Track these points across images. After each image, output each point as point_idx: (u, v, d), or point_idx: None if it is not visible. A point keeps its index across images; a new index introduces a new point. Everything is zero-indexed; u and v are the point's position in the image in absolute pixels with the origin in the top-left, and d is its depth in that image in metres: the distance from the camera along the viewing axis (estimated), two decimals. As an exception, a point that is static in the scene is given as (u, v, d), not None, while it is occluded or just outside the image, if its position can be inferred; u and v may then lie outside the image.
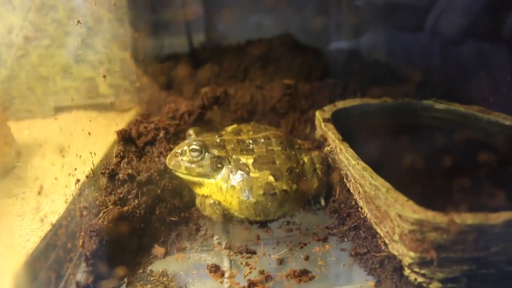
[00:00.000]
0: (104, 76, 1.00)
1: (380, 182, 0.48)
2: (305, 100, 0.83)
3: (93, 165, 0.61)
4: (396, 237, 0.45)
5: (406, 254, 0.45)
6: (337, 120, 0.70)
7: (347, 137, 0.63)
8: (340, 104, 0.73)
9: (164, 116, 0.77)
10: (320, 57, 1.05)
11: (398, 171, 0.58)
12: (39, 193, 0.64)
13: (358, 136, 0.69)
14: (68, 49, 1.02)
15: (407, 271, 0.46)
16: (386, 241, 0.48)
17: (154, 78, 1.01)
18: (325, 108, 0.72)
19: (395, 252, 0.47)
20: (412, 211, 0.43)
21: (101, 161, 0.64)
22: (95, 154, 0.62)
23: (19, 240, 0.53)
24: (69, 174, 0.63)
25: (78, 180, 0.59)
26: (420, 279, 0.45)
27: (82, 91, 1.04)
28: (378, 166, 0.53)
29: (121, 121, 0.94)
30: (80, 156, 0.61)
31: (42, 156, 0.85)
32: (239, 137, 0.64)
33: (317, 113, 0.70)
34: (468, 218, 0.41)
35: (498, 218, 0.41)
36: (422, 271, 0.45)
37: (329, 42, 1.22)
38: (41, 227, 0.55)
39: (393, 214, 0.45)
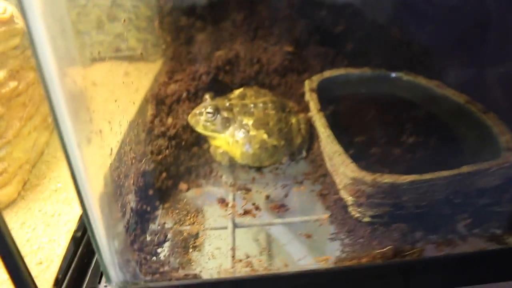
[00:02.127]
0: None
1: (336, 147, 0.74)
2: (301, 64, 1.06)
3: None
4: (341, 186, 0.72)
5: (347, 198, 0.71)
6: (324, 87, 0.94)
7: (330, 102, 0.87)
8: (327, 74, 0.97)
9: (186, 77, 1.02)
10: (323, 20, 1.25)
11: (357, 134, 0.83)
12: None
13: (339, 102, 0.94)
14: (102, 8, 1.25)
15: (349, 209, 0.73)
16: (338, 188, 0.75)
17: (176, 34, 1.24)
18: (313, 77, 0.95)
19: (342, 196, 0.74)
20: (351, 171, 0.69)
21: (138, 110, 0.90)
22: (133, 104, 0.87)
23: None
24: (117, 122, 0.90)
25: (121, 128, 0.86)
26: (357, 215, 0.72)
27: (114, 44, 1.29)
28: (344, 130, 0.78)
29: (149, 71, 1.19)
30: (119, 106, 0.87)
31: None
32: (244, 101, 0.90)
33: (306, 82, 0.94)
34: (386, 178, 0.67)
35: (406, 179, 0.67)
36: (358, 209, 0.72)
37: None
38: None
39: (341, 170, 0.71)
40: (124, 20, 1.19)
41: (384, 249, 0.66)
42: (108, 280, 0.62)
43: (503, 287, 0.69)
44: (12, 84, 0.84)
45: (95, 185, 0.56)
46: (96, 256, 0.62)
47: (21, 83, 0.86)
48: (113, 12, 1.23)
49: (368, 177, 0.67)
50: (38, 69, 0.46)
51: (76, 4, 1.24)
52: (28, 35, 0.44)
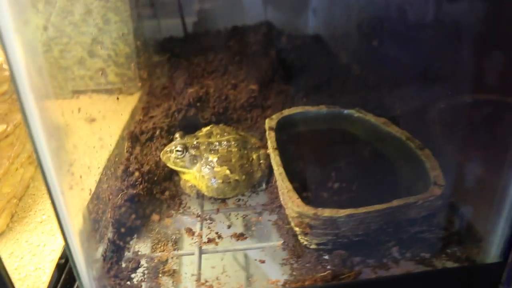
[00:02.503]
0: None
1: (286, 184, 0.87)
2: (265, 101, 1.20)
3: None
4: (290, 218, 0.85)
5: (295, 228, 0.85)
6: (283, 124, 1.07)
7: (289, 139, 1.01)
8: (286, 112, 1.11)
9: (160, 114, 1.15)
10: (287, 56, 1.39)
11: (309, 169, 0.96)
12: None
13: (297, 138, 1.07)
14: (83, 46, 1.38)
15: (299, 237, 0.86)
16: (289, 219, 0.88)
17: (152, 70, 1.38)
18: (273, 116, 1.09)
19: (292, 226, 0.87)
20: (297, 206, 0.82)
21: (116, 144, 1.03)
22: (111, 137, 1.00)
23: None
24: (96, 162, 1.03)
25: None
26: (305, 242, 0.85)
27: (94, 78, 1.41)
28: (298, 165, 0.91)
29: (127, 104, 1.32)
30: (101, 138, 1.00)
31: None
32: (210, 140, 1.03)
33: (266, 121, 1.07)
34: (325, 212, 0.80)
35: (343, 213, 0.80)
36: (306, 238, 0.85)
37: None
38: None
39: (289, 205, 0.84)
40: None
41: (324, 273, 0.80)
42: (87, 303, 0.74)
43: (428, 304, 0.83)
44: (1, 127, 0.96)
45: (75, 223, 0.69)
46: (77, 283, 0.74)
47: (9, 125, 0.98)
48: (93, 49, 1.36)
49: (310, 211, 0.80)
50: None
51: (59, 42, 1.37)
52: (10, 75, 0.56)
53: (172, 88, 1.27)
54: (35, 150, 0.61)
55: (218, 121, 1.18)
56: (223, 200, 1.01)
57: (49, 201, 0.93)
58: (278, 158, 0.94)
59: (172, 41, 1.52)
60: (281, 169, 0.91)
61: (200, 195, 1.01)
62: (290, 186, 0.86)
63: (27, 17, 0.57)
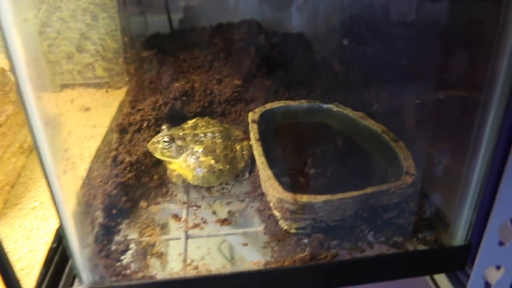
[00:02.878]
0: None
1: (267, 172, 0.94)
2: (248, 95, 1.27)
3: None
4: (271, 204, 0.92)
5: (276, 214, 0.92)
6: (266, 117, 1.15)
7: (271, 131, 1.08)
8: (268, 105, 1.18)
9: (147, 107, 1.21)
10: (270, 53, 1.47)
11: (289, 159, 1.04)
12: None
13: (278, 130, 1.14)
14: (71, 41, 1.44)
15: (279, 222, 0.93)
16: (270, 205, 0.95)
17: (139, 65, 1.44)
18: (257, 109, 1.16)
19: (273, 212, 0.94)
20: (277, 192, 0.89)
21: (105, 134, 1.09)
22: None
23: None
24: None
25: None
26: (285, 227, 0.92)
27: (82, 73, 1.47)
28: (279, 155, 0.99)
29: (115, 98, 1.38)
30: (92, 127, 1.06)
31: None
32: (195, 131, 1.09)
33: (249, 114, 1.14)
34: (304, 198, 0.87)
35: (320, 198, 0.87)
36: (286, 223, 0.92)
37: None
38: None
39: (270, 191, 0.92)
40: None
41: (303, 254, 0.87)
42: (81, 281, 0.81)
43: (399, 283, 0.91)
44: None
45: (69, 205, 0.75)
46: (70, 262, 0.80)
47: (2, 116, 1.04)
48: (81, 44, 1.41)
49: (290, 197, 0.87)
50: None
51: (47, 36, 1.42)
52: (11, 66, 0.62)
53: (159, 83, 1.33)
54: (33, 137, 0.67)
55: (203, 114, 1.24)
56: (208, 189, 1.08)
57: (41, 189, 1.00)
58: (260, 148, 1.01)
59: (158, 37, 1.58)
60: (263, 159, 0.98)
61: (185, 184, 1.08)
62: (271, 174, 0.93)
63: (26, 14, 0.63)
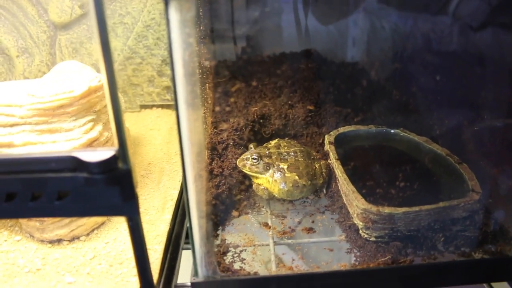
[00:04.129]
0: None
1: (351, 187, 1.13)
2: (320, 120, 1.47)
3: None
4: (355, 215, 1.11)
5: (358, 223, 1.10)
6: (339, 140, 1.34)
7: (343, 152, 1.27)
8: (341, 129, 1.37)
9: (231, 128, 1.41)
10: (335, 82, 1.67)
11: (365, 178, 1.22)
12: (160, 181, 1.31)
13: (350, 153, 1.34)
14: (153, 66, 1.66)
15: (360, 231, 1.11)
16: (352, 216, 1.14)
17: (215, 89, 1.65)
18: (332, 132, 1.35)
19: (355, 222, 1.12)
20: (362, 204, 1.07)
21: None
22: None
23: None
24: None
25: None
26: (365, 236, 1.10)
27: (161, 95, 1.69)
28: (354, 174, 1.18)
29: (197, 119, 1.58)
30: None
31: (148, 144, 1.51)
32: (279, 151, 1.29)
33: (326, 137, 1.33)
34: (386, 209, 1.05)
35: (400, 210, 1.05)
36: (366, 232, 1.10)
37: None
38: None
39: (354, 204, 1.10)
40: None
41: (385, 258, 1.05)
42: (196, 274, 0.99)
43: (468, 288, 1.09)
44: (106, 133, 1.22)
45: (196, 210, 0.95)
46: (192, 256, 0.99)
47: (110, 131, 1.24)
48: (161, 69, 1.63)
49: (373, 208, 1.06)
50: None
51: (133, 62, 1.64)
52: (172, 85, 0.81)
53: (235, 106, 1.54)
54: (181, 149, 0.87)
55: (278, 136, 1.44)
56: (291, 202, 1.27)
57: (142, 197, 1.19)
58: (341, 167, 1.20)
59: (227, 64, 1.80)
60: (345, 175, 1.17)
61: (271, 197, 1.27)
62: (354, 189, 1.12)
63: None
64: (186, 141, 0.87)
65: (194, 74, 0.86)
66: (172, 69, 0.78)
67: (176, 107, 0.82)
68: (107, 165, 0.75)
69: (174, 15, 0.74)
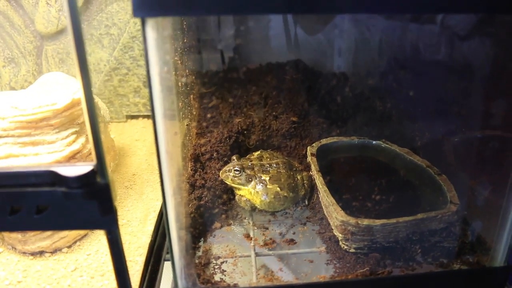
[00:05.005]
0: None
1: (330, 199, 1.15)
2: (303, 131, 1.50)
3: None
4: (334, 227, 1.13)
5: (338, 235, 1.12)
6: (322, 151, 1.37)
7: (325, 164, 1.30)
8: (324, 141, 1.40)
9: (214, 140, 1.43)
10: (320, 93, 1.69)
11: (345, 189, 1.25)
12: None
13: (332, 164, 1.36)
14: (139, 77, 1.68)
15: (340, 243, 1.14)
16: (332, 227, 1.16)
17: (200, 100, 1.67)
18: (314, 144, 1.38)
19: (335, 233, 1.15)
20: (341, 216, 1.10)
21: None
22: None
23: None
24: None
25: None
26: (345, 247, 1.12)
27: (147, 105, 1.71)
28: (335, 185, 1.20)
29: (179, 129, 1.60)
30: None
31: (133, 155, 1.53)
32: (262, 162, 1.31)
33: (308, 148, 1.36)
34: (364, 221, 1.08)
35: (378, 222, 1.08)
36: (346, 243, 1.12)
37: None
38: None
39: (334, 216, 1.12)
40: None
41: (363, 270, 1.07)
42: (176, 286, 1.01)
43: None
44: (89, 146, 1.24)
45: (175, 222, 0.97)
46: (171, 269, 1.01)
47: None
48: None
49: (352, 220, 1.08)
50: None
51: (119, 72, 1.66)
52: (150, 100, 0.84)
53: (220, 117, 1.56)
54: (158, 162, 0.89)
55: (262, 147, 1.46)
56: (272, 213, 1.29)
57: (125, 209, 1.22)
58: (321, 178, 1.23)
59: (214, 74, 1.82)
60: (325, 187, 1.19)
61: (253, 208, 1.29)
62: (334, 201, 1.15)
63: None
64: (163, 154, 0.89)
65: (172, 90, 0.89)
66: (149, 85, 0.80)
67: (153, 123, 0.84)
68: (85, 180, 0.77)
69: (151, 33, 0.76)
